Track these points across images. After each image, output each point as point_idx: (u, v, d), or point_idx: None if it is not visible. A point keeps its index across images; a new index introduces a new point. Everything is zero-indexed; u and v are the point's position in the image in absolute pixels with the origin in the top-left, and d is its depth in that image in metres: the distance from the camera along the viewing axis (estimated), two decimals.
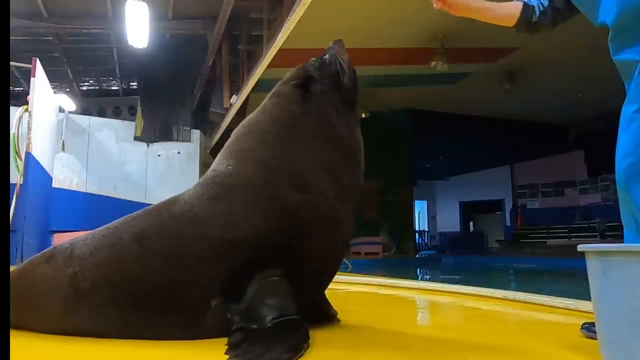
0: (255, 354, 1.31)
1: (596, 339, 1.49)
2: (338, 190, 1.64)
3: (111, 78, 13.73)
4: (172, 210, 1.64)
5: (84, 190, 9.89)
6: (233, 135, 1.77)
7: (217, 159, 1.75)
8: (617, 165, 1.53)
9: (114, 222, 1.74)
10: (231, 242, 1.54)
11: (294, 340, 1.37)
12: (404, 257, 12.43)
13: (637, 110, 1.48)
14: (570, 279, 6.37)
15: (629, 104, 1.53)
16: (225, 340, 1.42)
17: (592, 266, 1.22)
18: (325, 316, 1.94)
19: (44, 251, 1.84)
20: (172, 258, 1.56)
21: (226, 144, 1.76)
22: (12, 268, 1.71)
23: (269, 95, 1.79)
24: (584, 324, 1.63)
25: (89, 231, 1.80)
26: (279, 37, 7.11)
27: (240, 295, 1.50)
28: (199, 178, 1.80)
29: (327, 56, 1.80)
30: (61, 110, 9.41)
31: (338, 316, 1.99)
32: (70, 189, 9.71)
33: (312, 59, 1.81)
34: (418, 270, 9.52)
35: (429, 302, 3.01)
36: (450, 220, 21.90)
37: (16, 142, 6.18)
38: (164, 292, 1.56)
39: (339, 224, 1.65)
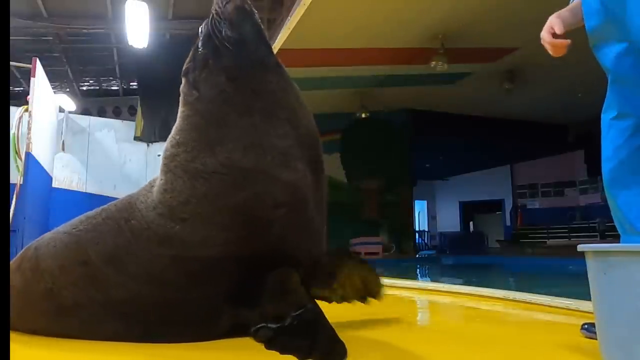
0: (304, 346, 1.30)
1: (596, 339, 1.50)
2: (267, 157, 1.45)
3: (111, 78, 13.73)
4: (130, 224, 1.52)
5: (84, 190, 9.88)
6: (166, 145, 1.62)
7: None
8: (602, 170, 1.61)
9: (72, 224, 1.65)
10: (208, 260, 1.44)
11: (326, 334, 1.37)
12: (404, 257, 12.42)
13: (615, 117, 1.56)
14: (569, 279, 6.36)
15: (607, 111, 1.60)
16: (230, 342, 1.42)
17: (592, 266, 1.22)
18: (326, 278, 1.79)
19: (16, 257, 1.76)
20: (155, 281, 1.47)
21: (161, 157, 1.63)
22: None
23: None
24: (584, 324, 1.63)
25: (52, 231, 1.70)
26: (279, 37, 7.12)
27: (251, 301, 1.45)
28: None
29: (205, 26, 1.56)
30: (61, 110, 9.40)
31: (337, 316, 2.00)
32: (70, 189, 9.70)
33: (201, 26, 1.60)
34: (418, 270, 9.52)
35: (429, 302, 3.00)
36: (450, 220, 21.88)
37: (16, 142, 6.17)
38: (159, 309, 1.49)
39: (287, 195, 1.46)
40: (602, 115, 1.62)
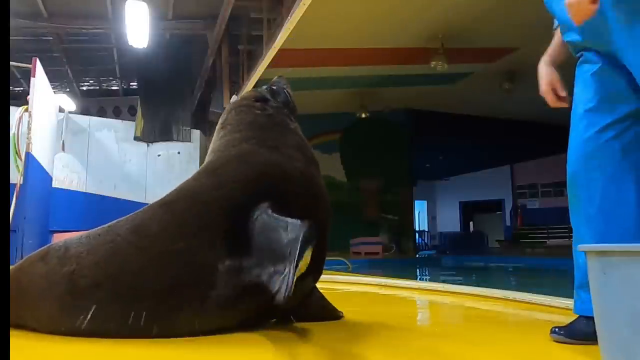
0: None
1: (564, 341, 1.53)
2: (307, 160, 1.87)
3: (111, 78, 13.73)
4: (161, 200, 1.76)
5: (84, 190, 9.88)
6: (207, 154, 1.97)
7: None
8: (568, 161, 1.60)
9: (109, 224, 1.76)
10: (220, 199, 1.64)
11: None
12: (404, 257, 12.43)
13: (589, 109, 1.55)
14: (569, 279, 6.36)
15: (581, 102, 1.59)
16: (229, 338, 1.42)
17: (592, 266, 1.22)
18: (332, 315, 2.00)
19: (39, 250, 1.84)
20: (170, 235, 1.61)
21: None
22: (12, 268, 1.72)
23: (227, 110, 2.05)
24: (554, 327, 1.61)
25: (82, 232, 1.80)
26: (279, 37, 7.11)
27: (247, 248, 1.54)
28: None
29: (275, 87, 2.11)
30: (61, 110, 9.41)
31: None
32: (70, 189, 9.70)
33: (264, 87, 2.15)
34: (418, 270, 9.53)
35: (429, 302, 3.01)
36: (450, 220, 21.89)
37: (16, 142, 6.17)
38: (167, 274, 1.57)
39: (313, 178, 1.85)
40: (573, 107, 1.62)
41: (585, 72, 1.59)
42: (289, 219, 1.51)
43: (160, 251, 1.59)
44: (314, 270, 1.82)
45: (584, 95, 1.58)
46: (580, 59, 1.64)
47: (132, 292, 1.57)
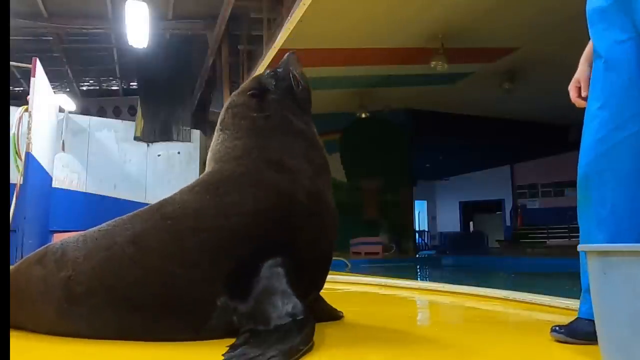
0: (248, 356, 1.28)
1: (565, 341, 1.53)
2: (313, 168, 1.76)
3: (111, 78, 13.75)
4: (163, 210, 1.67)
5: (84, 190, 9.88)
6: (207, 159, 1.87)
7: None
8: (579, 162, 1.56)
9: (105, 225, 1.73)
10: (225, 230, 1.56)
11: (291, 344, 1.33)
12: (404, 257, 12.43)
13: (600, 107, 1.51)
14: (569, 279, 6.36)
15: (592, 99, 1.56)
16: (229, 341, 1.42)
17: (592, 266, 1.22)
18: (332, 316, 1.99)
19: (36, 251, 1.83)
20: (169, 256, 1.55)
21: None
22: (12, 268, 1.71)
23: (224, 108, 1.90)
24: (554, 326, 1.61)
25: (79, 232, 1.78)
26: (279, 37, 7.13)
27: (246, 293, 1.48)
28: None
29: (280, 69, 1.93)
30: (61, 110, 9.41)
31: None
32: (70, 189, 9.70)
33: (267, 71, 1.96)
34: (418, 270, 9.52)
35: (429, 302, 3.01)
36: (450, 220, 21.89)
37: (16, 142, 6.17)
38: (163, 292, 1.54)
39: (320, 194, 1.74)
40: (588, 104, 1.57)
41: (596, 69, 1.56)
42: (294, 305, 1.42)
43: (157, 268, 1.55)
44: (318, 281, 1.81)
45: (594, 93, 1.55)
46: (594, 53, 1.60)
47: (127, 305, 1.55)
